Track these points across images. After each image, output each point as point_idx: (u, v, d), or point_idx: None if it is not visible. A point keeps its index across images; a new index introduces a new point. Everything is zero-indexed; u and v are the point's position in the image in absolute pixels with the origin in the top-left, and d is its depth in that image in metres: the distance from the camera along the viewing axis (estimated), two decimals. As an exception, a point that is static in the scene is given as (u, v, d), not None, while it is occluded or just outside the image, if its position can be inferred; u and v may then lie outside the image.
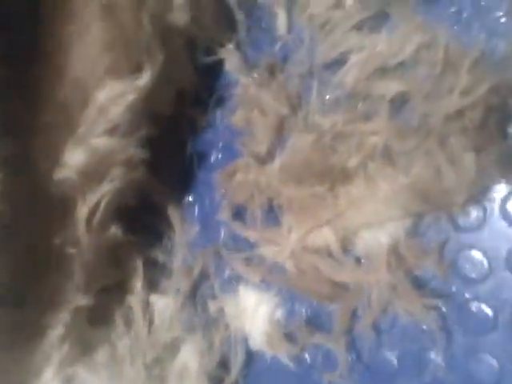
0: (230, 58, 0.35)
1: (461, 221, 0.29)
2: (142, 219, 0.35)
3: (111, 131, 0.32)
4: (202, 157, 0.37)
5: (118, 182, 0.32)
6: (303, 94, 0.33)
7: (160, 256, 0.35)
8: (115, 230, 0.33)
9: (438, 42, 0.29)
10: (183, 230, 0.35)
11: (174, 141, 0.37)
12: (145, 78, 0.32)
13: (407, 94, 0.29)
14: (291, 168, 0.30)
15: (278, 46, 0.35)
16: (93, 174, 0.32)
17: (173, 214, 0.35)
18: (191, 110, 0.37)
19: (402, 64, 0.30)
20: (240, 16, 0.34)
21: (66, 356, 0.31)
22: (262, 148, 0.33)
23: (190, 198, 0.37)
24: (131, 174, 0.33)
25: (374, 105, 0.30)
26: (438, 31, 0.29)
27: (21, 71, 0.30)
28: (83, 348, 0.32)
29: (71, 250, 0.31)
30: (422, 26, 0.30)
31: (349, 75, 0.31)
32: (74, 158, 0.31)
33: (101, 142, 0.31)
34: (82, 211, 0.31)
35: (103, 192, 0.32)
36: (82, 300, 0.31)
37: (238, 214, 0.34)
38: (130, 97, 0.32)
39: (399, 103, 0.30)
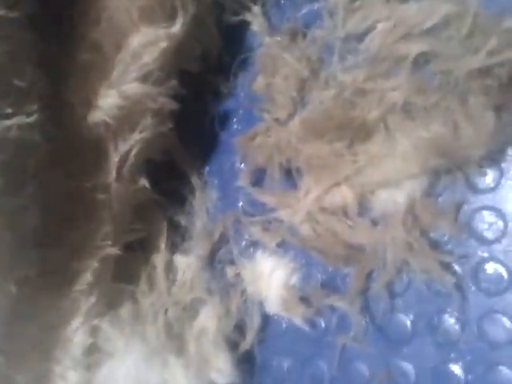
0: (255, 20, 0.36)
1: (477, 181, 0.29)
2: (165, 182, 0.36)
3: (143, 78, 0.32)
4: (224, 123, 0.37)
5: (149, 132, 0.32)
6: (325, 58, 0.33)
7: (182, 219, 0.36)
8: (143, 184, 0.33)
9: (468, 11, 0.29)
10: (204, 195, 0.35)
11: (197, 106, 0.37)
12: (177, 27, 0.32)
13: (430, 54, 0.30)
14: (311, 122, 0.31)
15: (302, 12, 0.35)
16: (125, 121, 0.32)
17: (194, 179, 0.36)
18: (214, 76, 0.37)
19: (428, 31, 0.30)
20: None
21: (93, 307, 0.31)
22: (282, 113, 0.34)
23: (211, 165, 0.37)
24: (160, 127, 0.33)
25: (396, 64, 0.30)
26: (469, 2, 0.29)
27: (57, 10, 0.31)
28: (109, 302, 0.32)
29: (101, 196, 0.31)
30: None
31: (374, 41, 0.31)
32: (107, 102, 0.31)
33: (133, 88, 0.32)
34: (113, 158, 0.31)
35: (134, 141, 0.32)
36: (111, 249, 0.31)
37: (257, 180, 0.34)
38: (163, 44, 0.32)
39: (422, 63, 0.30)
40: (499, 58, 0.27)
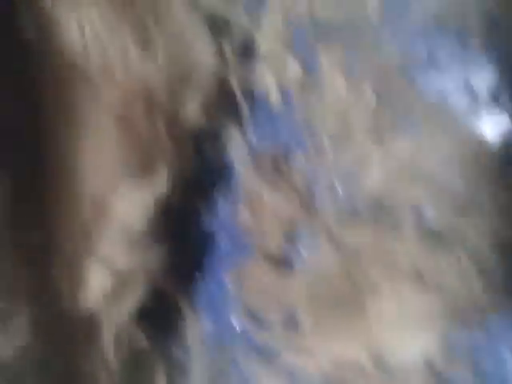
0: (233, 145, 0.33)
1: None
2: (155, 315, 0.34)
3: (132, 246, 0.30)
4: (209, 246, 0.35)
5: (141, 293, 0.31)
6: (315, 192, 0.31)
7: (178, 354, 0.34)
8: (140, 338, 0.32)
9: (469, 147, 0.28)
10: (197, 325, 0.34)
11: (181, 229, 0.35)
12: (161, 181, 0.30)
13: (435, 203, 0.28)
14: (314, 290, 0.30)
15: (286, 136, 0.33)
16: (117, 293, 0.31)
17: (185, 308, 0.35)
18: (195, 200, 0.35)
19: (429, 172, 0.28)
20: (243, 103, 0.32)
21: None
22: (274, 248, 0.32)
23: (202, 292, 0.35)
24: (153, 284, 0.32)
25: (399, 214, 0.29)
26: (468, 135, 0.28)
27: (32, 193, 0.29)
28: None
29: (100, 372, 0.30)
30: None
31: (370, 184, 0.29)
32: (97, 282, 0.29)
33: (122, 260, 0.30)
34: (109, 331, 0.30)
35: (128, 307, 0.31)
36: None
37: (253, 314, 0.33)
38: (149, 203, 0.30)
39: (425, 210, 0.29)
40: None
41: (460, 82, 0.29)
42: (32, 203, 0.28)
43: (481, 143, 0.28)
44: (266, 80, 0.32)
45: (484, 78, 0.29)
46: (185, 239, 0.35)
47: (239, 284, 0.32)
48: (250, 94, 0.33)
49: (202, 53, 0.31)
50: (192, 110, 0.31)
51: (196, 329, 0.34)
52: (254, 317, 0.32)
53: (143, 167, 0.30)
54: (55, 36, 0.27)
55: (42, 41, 0.27)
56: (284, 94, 0.32)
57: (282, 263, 0.32)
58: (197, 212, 0.34)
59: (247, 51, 0.32)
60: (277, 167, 0.32)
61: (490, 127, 0.29)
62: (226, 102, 0.33)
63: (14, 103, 0.26)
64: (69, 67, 0.27)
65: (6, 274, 0.27)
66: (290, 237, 0.32)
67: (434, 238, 0.29)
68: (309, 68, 0.31)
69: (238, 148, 0.33)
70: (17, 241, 0.27)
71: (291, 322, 0.32)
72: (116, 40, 0.28)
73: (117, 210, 0.30)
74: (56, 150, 0.28)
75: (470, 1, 0.27)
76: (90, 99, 0.28)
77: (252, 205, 0.32)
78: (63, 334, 0.28)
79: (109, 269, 0.30)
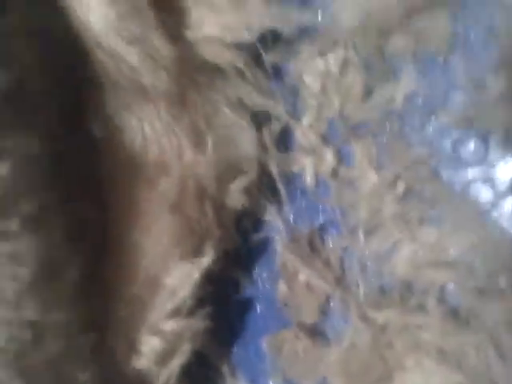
0: (272, 224, 0.37)
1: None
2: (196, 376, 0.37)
3: (177, 311, 0.34)
4: (245, 311, 0.38)
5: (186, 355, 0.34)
6: (347, 270, 0.35)
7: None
8: None
9: (491, 238, 0.30)
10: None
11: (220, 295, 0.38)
12: (208, 258, 0.34)
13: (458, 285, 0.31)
14: (346, 360, 0.33)
15: (320, 216, 0.36)
16: (165, 355, 0.34)
17: (223, 365, 0.38)
18: (236, 271, 0.38)
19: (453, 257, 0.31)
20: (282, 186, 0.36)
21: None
22: (309, 320, 0.35)
23: (237, 350, 0.39)
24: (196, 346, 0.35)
25: (424, 295, 0.32)
26: (490, 227, 0.31)
27: (94, 269, 0.32)
28: None
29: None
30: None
31: (399, 265, 0.33)
32: (148, 345, 0.33)
33: (171, 325, 0.33)
34: None
35: (173, 367, 0.34)
36: None
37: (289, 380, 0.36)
38: (195, 276, 0.34)
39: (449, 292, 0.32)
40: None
41: (482, 175, 0.32)
42: (96, 276, 0.32)
43: (502, 233, 0.31)
44: (303, 167, 0.35)
45: (505, 173, 0.32)
46: (226, 306, 0.38)
47: (276, 351, 0.35)
48: (288, 178, 0.36)
49: (246, 143, 0.34)
50: (236, 195, 0.35)
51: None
52: (289, 383, 0.36)
53: (192, 248, 0.33)
54: (118, 136, 0.31)
55: (107, 140, 0.31)
56: (319, 179, 0.36)
57: (317, 334, 0.35)
58: (238, 282, 0.38)
59: (286, 141, 0.36)
60: (312, 245, 0.36)
61: (509, 218, 0.32)
62: (266, 186, 0.36)
63: (83, 195, 0.30)
64: (129, 162, 0.31)
65: (74, 337, 0.30)
66: (325, 310, 0.35)
67: (456, 317, 0.32)
68: (342, 158, 0.35)
69: (276, 226, 0.36)
70: (82, 309, 0.31)
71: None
72: (172, 138, 0.32)
73: (167, 283, 0.33)
74: (118, 233, 0.32)
75: (493, 105, 0.30)
76: (147, 190, 0.32)
77: (289, 279, 0.35)
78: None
79: (159, 333, 0.33)
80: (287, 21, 0.32)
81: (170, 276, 0.33)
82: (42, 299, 0.27)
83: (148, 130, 0.31)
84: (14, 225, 0.24)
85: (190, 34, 0.32)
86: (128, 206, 0.32)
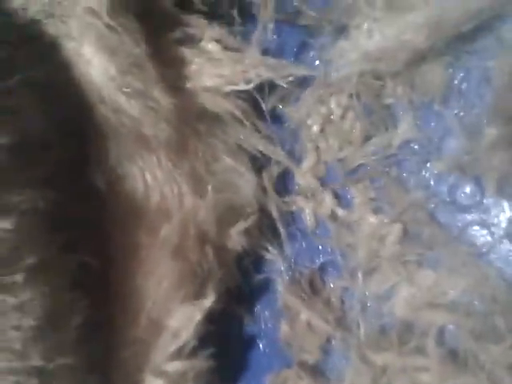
0: (273, 264, 0.38)
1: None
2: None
3: (181, 353, 0.35)
4: (248, 349, 0.39)
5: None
6: (347, 310, 0.35)
7: None
8: None
9: (487, 281, 0.31)
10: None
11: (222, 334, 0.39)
12: (209, 299, 0.35)
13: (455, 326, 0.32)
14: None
15: (321, 257, 0.37)
16: None
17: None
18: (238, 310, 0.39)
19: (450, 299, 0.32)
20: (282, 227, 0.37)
21: None
22: (310, 359, 0.36)
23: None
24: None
25: (423, 337, 0.32)
26: (487, 270, 0.31)
27: (97, 311, 0.33)
28: None
29: None
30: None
31: (398, 307, 0.33)
32: (151, 382, 0.34)
33: (174, 366, 0.34)
34: None
35: None
36: None
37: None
38: (198, 318, 0.34)
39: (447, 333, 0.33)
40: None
41: (478, 219, 0.33)
42: (100, 320, 0.33)
43: (498, 275, 0.32)
44: (303, 209, 0.36)
45: (500, 216, 0.33)
46: (228, 344, 0.39)
47: None
48: (288, 220, 0.37)
49: (246, 187, 0.36)
50: (237, 237, 0.36)
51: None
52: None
53: (194, 290, 0.34)
54: (121, 185, 0.32)
55: (110, 189, 0.32)
56: (319, 220, 0.37)
57: (318, 374, 0.35)
58: (240, 321, 0.39)
59: (285, 183, 0.37)
60: (313, 285, 0.36)
61: (505, 261, 0.33)
62: (266, 227, 0.37)
63: (86, 243, 0.31)
64: (132, 210, 0.32)
65: (80, 381, 0.31)
66: (326, 350, 0.36)
67: (455, 359, 0.33)
68: (341, 201, 0.36)
69: (276, 266, 0.37)
70: (87, 353, 0.32)
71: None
72: (172, 185, 0.33)
73: (170, 325, 0.34)
74: (121, 278, 0.33)
75: (486, 152, 0.31)
76: (149, 236, 0.33)
77: (290, 319, 0.36)
78: None
79: (162, 374, 0.34)
80: (283, 72, 0.32)
81: (172, 318, 0.34)
82: (48, 347, 0.28)
83: (149, 178, 0.32)
84: (19, 278, 0.25)
85: (190, 85, 0.33)
86: (130, 251, 0.33)
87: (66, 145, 0.30)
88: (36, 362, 0.27)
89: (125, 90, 0.30)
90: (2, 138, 0.24)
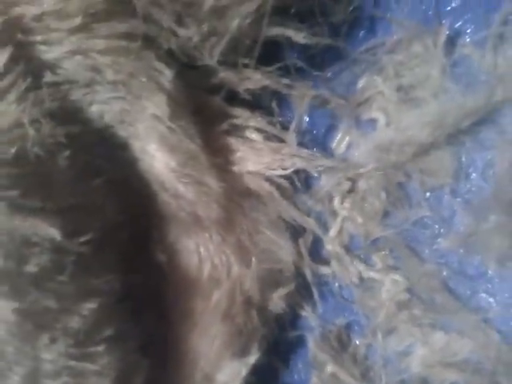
0: (306, 321, 0.43)
1: None
2: None
3: None
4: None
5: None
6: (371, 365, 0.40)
7: None
8: None
9: (492, 343, 0.36)
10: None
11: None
12: (254, 356, 0.40)
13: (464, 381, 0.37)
14: None
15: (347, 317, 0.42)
16: None
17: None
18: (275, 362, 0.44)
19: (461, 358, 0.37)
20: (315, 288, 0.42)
21: None
22: None
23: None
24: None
25: None
26: (492, 334, 0.36)
27: (159, 372, 0.39)
28: None
29: None
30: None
31: (414, 364, 0.38)
32: None
33: None
34: None
35: None
36: None
37: None
38: (244, 372, 0.40)
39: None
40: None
41: (484, 287, 0.38)
42: (161, 377, 0.38)
43: (501, 339, 0.37)
44: (332, 273, 0.42)
45: (504, 286, 0.38)
46: None
47: None
48: (320, 282, 0.43)
49: (285, 255, 0.41)
50: (278, 299, 0.41)
51: None
52: None
53: (240, 348, 0.39)
54: (179, 258, 0.37)
55: (169, 262, 0.37)
56: (345, 283, 0.42)
57: None
58: (277, 371, 0.44)
59: (318, 250, 0.42)
60: (340, 341, 0.41)
61: (508, 326, 0.37)
62: (302, 288, 0.42)
63: (150, 313, 0.36)
64: (187, 280, 0.38)
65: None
66: None
67: None
68: (364, 268, 0.41)
69: (309, 323, 0.42)
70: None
71: None
72: (222, 256, 0.38)
73: (220, 380, 0.39)
74: (178, 339, 0.38)
75: (489, 233, 0.36)
76: (202, 302, 0.38)
77: (320, 372, 0.41)
78: None
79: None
80: (315, 163, 0.38)
81: (221, 373, 0.39)
82: (119, 403, 0.33)
83: (203, 251, 0.37)
84: (100, 348, 0.31)
85: (236, 169, 0.39)
86: (187, 315, 0.38)
87: (133, 226, 0.36)
88: (109, 418, 0.32)
89: (183, 180, 0.35)
90: (89, 234, 0.29)
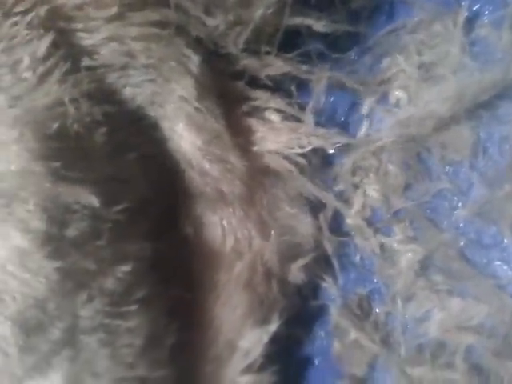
0: (327, 291, 0.46)
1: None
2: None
3: (251, 368, 0.43)
4: (306, 364, 0.47)
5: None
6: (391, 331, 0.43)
7: None
8: None
9: (507, 308, 0.38)
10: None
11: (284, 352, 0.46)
12: (274, 324, 0.43)
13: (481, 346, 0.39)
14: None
15: (367, 286, 0.45)
16: None
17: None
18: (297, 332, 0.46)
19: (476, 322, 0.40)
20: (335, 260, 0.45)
21: None
22: (358, 372, 0.43)
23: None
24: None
25: (453, 354, 0.40)
26: (506, 299, 0.38)
27: (185, 336, 0.42)
28: None
29: None
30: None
31: (432, 328, 0.41)
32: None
33: (245, 380, 0.42)
34: None
35: None
36: None
37: None
38: (265, 339, 0.43)
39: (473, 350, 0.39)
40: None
41: (500, 256, 0.41)
42: (187, 342, 0.41)
43: None
44: (355, 246, 0.45)
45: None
46: (289, 361, 0.47)
47: None
48: (340, 254, 0.45)
49: (304, 229, 0.44)
50: (296, 271, 0.44)
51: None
52: None
53: (262, 316, 0.42)
54: (204, 231, 0.40)
55: (195, 235, 0.40)
56: (365, 255, 0.45)
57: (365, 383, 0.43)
58: (299, 340, 0.47)
59: (338, 224, 0.45)
60: (361, 309, 0.44)
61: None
62: (322, 260, 0.45)
63: (178, 281, 0.40)
64: (212, 252, 0.41)
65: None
66: (371, 365, 0.44)
67: (479, 373, 0.40)
68: (385, 239, 0.44)
69: (330, 293, 0.45)
70: (177, 367, 0.40)
71: None
72: (243, 230, 0.41)
73: (242, 346, 0.42)
74: (203, 308, 0.41)
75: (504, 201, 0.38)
76: (225, 272, 0.41)
77: (342, 339, 0.44)
78: None
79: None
80: (331, 140, 0.41)
81: (244, 340, 0.41)
82: (150, 361, 0.36)
83: (226, 225, 0.40)
84: (132, 308, 0.34)
85: (256, 149, 0.42)
86: (211, 285, 0.41)
87: (163, 201, 0.39)
88: (141, 372, 0.36)
89: (208, 157, 0.38)
90: (124, 204, 0.33)
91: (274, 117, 0.42)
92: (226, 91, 0.40)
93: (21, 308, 0.29)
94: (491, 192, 0.39)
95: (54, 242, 0.30)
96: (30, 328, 0.30)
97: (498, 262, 0.41)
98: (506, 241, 0.40)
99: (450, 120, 0.40)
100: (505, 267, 0.41)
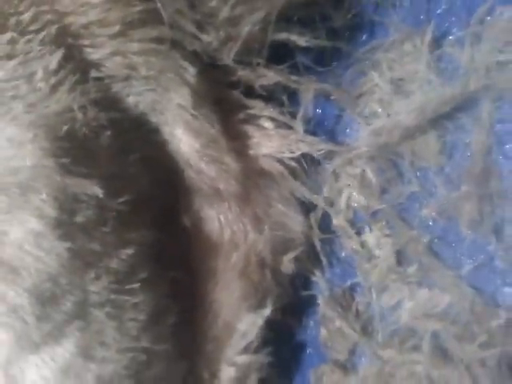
0: (316, 282, 0.50)
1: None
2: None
3: (248, 349, 0.47)
4: (297, 350, 0.51)
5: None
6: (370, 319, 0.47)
7: None
8: None
9: (467, 297, 0.43)
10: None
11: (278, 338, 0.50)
12: (268, 309, 0.48)
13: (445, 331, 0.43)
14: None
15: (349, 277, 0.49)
16: (239, 382, 0.47)
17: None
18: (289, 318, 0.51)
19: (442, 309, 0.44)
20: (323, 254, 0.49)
21: None
22: (341, 358, 0.48)
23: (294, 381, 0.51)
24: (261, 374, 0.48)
25: (421, 339, 0.44)
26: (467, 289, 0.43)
27: (187, 317, 0.46)
28: None
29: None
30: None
31: (403, 315, 0.45)
32: (226, 374, 0.46)
33: (243, 359, 0.47)
34: None
35: None
36: None
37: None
38: (260, 323, 0.47)
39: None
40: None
41: (461, 250, 0.45)
42: (188, 322, 0.46)
43: (475, 293, 0.44)
44: (340, 244, 0.49)
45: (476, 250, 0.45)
46: (282, 345, 0.51)
47: (318, 381, 0.49)
48: (328, 249, 0.50)
49: (295, 226, 0.49)
50: (288, 262, 0.49)
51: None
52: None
53: (257, 302, 0.47)
54: (202, 224, 0.46)
55: (194, 227, 0.46)
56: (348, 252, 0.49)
57: (346, 368, 0.48)
58: (291, 328, 0.51)
59: (326, 223, 0.50)
60: (345, 301, 0.49)
61: (481, 282, 0.44)
62: (312, 256, 0.50)
63: (179, 266, 0.45)
64: (210, 243, 0.46)
65: (172, 364, 0.44)
66: (352, 351, 0.48)
67: (443, 355, 0.44)
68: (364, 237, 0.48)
69: (319, 286, 0.50)
70: (179, 343, 0.44)
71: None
72: (239, 224, 0.46)
73: (239, 328, 0.46)
74: (203, 292, 0.46)
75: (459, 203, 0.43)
76: (223, 261, 0.46)
77: (328, 327, 0.49)
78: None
79: (234, 365, 0.46)
80: (317, 147, 0.46)
81: (241, 322, 0.46)
82: (153, 335, 0.41)
83: (223, 219, 0.46)
84: (136, 286, 0.39)
85: (251, 152, 0.47)
86: (210, 273, 0.46)
87: (165, 197, 0.44)
88: (145, 344, 0.40)
89: (205, 159, 0.43)
90: (126, 196, 0.38)
91: (268, 124, 0.47)
92: (224, 100, 0.45)
93: (36, 281, 0.34)
94: (452, 193, 0.43)
95: (65, 227, 0.35)
96: (44, 299, 0.35)
97: (461, 256, 0.45)
98: (465, 236, 0.44)
99: (416, 130, 0.44)
100: (468, 260, 0.45)
